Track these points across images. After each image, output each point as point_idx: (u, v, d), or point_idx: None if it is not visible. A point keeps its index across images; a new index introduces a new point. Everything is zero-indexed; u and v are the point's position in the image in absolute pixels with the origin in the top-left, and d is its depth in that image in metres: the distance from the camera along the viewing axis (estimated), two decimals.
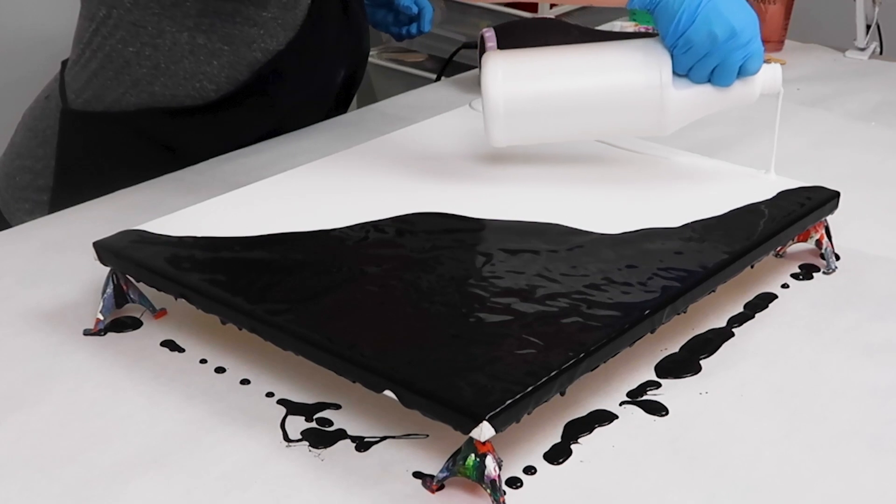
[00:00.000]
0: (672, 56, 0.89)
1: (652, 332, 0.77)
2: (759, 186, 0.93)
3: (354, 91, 1.27)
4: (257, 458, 0.70)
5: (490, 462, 0.65)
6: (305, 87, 1.13)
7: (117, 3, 1.05)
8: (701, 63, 0.88)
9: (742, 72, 0.89)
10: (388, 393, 0.68)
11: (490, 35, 1.30)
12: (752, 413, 0.75)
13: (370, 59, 2.66)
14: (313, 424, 0.73)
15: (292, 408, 0.75)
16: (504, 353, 0.70)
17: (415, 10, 1.29)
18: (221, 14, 1.03)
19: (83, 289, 0.88)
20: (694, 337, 0.83)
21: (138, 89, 1.06)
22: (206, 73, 1.05)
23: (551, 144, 1.03)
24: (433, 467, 0.69)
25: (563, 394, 0.70)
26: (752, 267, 0.86)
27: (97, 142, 1.10)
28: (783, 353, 0.82)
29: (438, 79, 1.44)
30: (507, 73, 0.90)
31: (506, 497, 0.66)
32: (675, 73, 0.89)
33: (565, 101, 0.90)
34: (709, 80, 0.89)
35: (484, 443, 0.65)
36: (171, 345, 0.81)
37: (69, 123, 1.10)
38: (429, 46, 2.56)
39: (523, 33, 1.32)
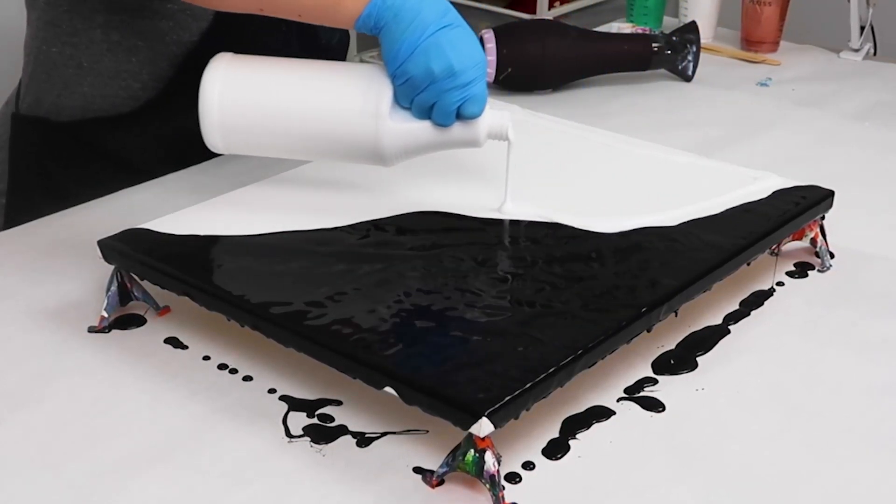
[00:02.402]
0: (394, 87, 0.84)
1: (649, 331, 0.77)
2: (755, 186, 0.94)
3: None
4: (260, 453, 0.71)
5: (489, 457, 0.66)
6: None
7: (36, 4, 1.05)
8: (420, 98, 0.83)
9: (461, 114, 0.83)
10: (388, 389, 0.69)
11: (489, 36, 1.31)
12: (748, 409, 0.76)
13: (371, 59, 2.68)
14: (315, 420, 0.74)
15: (294, 404, 0.75)
16: (503, 351, 0.71)
17: None
18: (129, 9, 1.02)
19: (88, 287, 0.88)
20: (690, 334, 0.84)
21: (70, 91, 1.06)
22: (128, 70, 1.04)
23: (551, 144, 1.04)
24: (433, 463, 0.69)
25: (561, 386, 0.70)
26: (748, 265, 0.87)
27: (44, 148, 1.09)
28: (779, 350, 0.83)
29: None
30: (227, 81, 0.86)
31: (505, 492, 0.66)
32: (400, 104, 0.84)
33: (281, 119, 0.86)
34: (430, 117, 0.84)
35: (483, 438, 0.65)
36: (174, 342, 0.82)
37: (18, 128, 1.10)
38: None
39: (521, 34, 1.33)
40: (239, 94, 0.86)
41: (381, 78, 0.84)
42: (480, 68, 0.83)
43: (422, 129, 0.84)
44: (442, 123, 0.84)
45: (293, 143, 0.87)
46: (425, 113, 0.84)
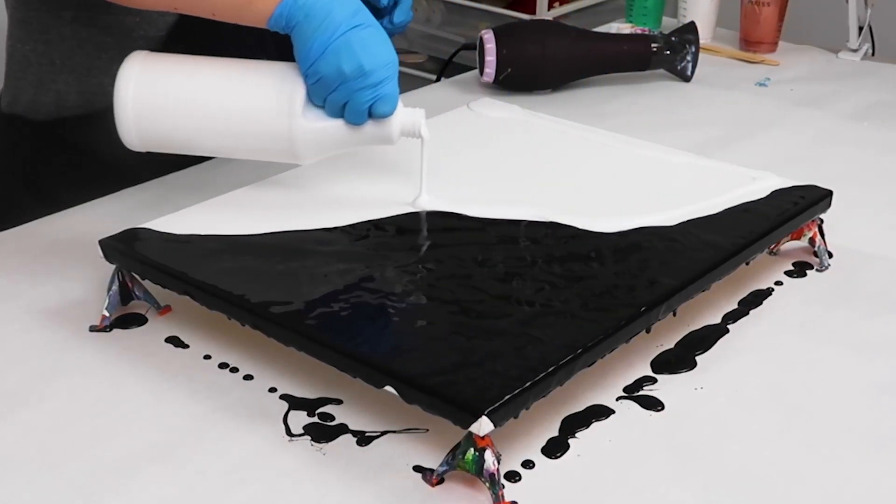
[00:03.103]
0: (307, 86, 0.84)
1: (648, 331, 0.78)
2: (754, 186, 0.94)
3: None
4: (260, 452, 0.71)
5: (489, 456, 0.66)
6: None
7: (9, 2, 1.06)
8: (332, 97, 0.83)
9: (373, 113, 0.84)
10: (388, 388, 0.69)
11: (489, 37, 1.32)
12: (747, 408, 0.76)
13: None
14: (315, 419, 0.74)
15: (295, 403, 0.76)
16: (503, 350, 0.71)
17: (384, 2, 1.24)
18: (96, 4, 1.01)
19: (89, 286, 0.89)
20: (689, 333, 0.84)
21: (44, 88, 1.06)
22: (100, 67, 1.04)
23: (550, 144, 1.04)
24: (433, 461, 0.70)
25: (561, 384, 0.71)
26: (746, 264, 0.87)
27: (25, 146, 1.09)
28: (777, 350, 0.83)
29: (438, 79, 1.44)
30: (141, 79, 0.86)
31: (504, 490, 0.67)
32: (314, 103, 0.85)
33: (195, 117, 0.86)
34: (343, 116, 0.85)
35: (483, 437, 0.66)
36: (175, 341, 0.82)
37: (1, 127, 1.10)
38: (429, 48, 2.57)
39: (521, 35, 1.33)
40: (153, 93, 0.86)
41: (295, 77, 0.85)
42: (391, 68, 0.84)
43: (335, 127, 0.85)
44: (354, 122, 0.85)
45: (207, 141, 0.88)
46: (338, 111, 0.85)
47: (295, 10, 0.82)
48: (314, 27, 0.82)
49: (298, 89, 0.84)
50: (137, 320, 0.85)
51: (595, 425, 0.74)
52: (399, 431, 0.73)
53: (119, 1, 0.91)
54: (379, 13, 1.19)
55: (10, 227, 0.99)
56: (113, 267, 0.84)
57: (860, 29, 1.50)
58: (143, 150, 0.89)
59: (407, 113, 0.87)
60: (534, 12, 2.40)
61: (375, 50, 0.83)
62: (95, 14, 1.03)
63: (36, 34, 1.05)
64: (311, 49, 0.82)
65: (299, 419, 0.74)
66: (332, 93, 0.83)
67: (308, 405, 0.75)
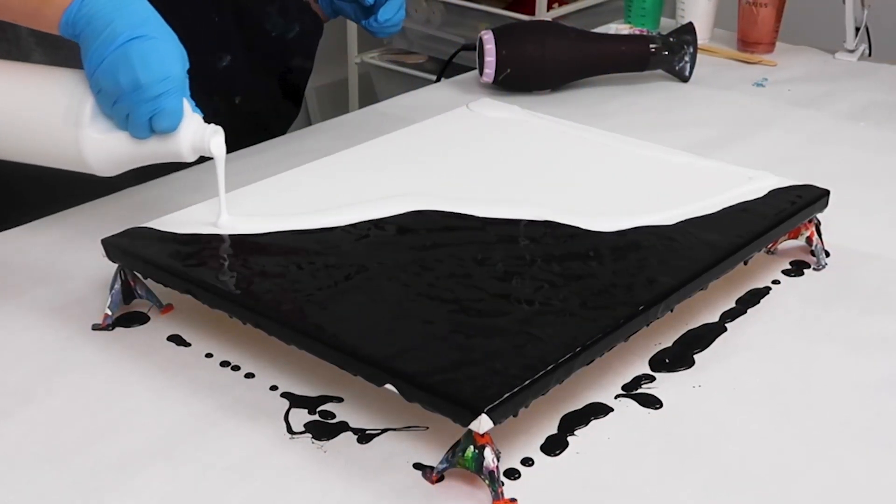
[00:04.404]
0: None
1: (647, 326, 0.78)
2: (751, 185, 0.95)
3: (302, 85, 1.22)
4: (261, 449, 0.71)
5: (488, 454, 0.66)
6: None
7: None
8: (114, 109, 0.81)
9: (154, 128, 0.82)
10: (389, 386, 0.69)
11: (488, 37, 1.32)
12: (745, 406, 0.77)
13: (372, 60, 2.68)
14: (316, 417, 0.74)
15: (295, 401, 0.76)
16: (502, 348, 0.71)
17: (369, 1, 1.17)
18: None
19: (92, 285, 0.89)
20: (687, 331, 0.85)
21: None
22: (59, 63, 1.01)
23: (550, 144, 1.04)
24: (433, 459, 0.70)
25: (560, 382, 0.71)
26: (744, 263, 0.88)
27: None
28: (775, 348, 0.84)
29: (438, 80, 1.44)
30: None
31: (504, 488, 0.67)
32: (104, 113, 0.83)
33: None
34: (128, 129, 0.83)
35: (483, 435, 0.66)
36: (177, 339, 0.83)
37: None
38: (429, 48, 2.58)
39: (521, 35, 1.33)
40: None
41: (86, 86, 0.83)
42: (171, 82, 0.81)
43: (124, 139, 0.83)
44: (137, 136, 0.83)
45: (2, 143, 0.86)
46: (123, 124, 0.83)
47: (79, 18, 0.81)
48: (94, 37, 0.80)
49: (89, 98, 0.82)
50: (139, 319, 0.85)
51: (594, 423, 0.75)
52: (399, 429, 0.73)
53: None
54: (366, 11, 1.19)
55: (13, 227, 0.99)
56: (115, 266, 0.84)
57: (857, 30, 1.51)
58: None
59: (197, 129, 0.84)
60: (533, 13, 2.40)
61: (154, 63, 0.80)
62: None
63: None
64: (91, 59, 0.80)
65: (300, 417, 0.74)
66: (114, 105, 0.81)
67: (309, 403, 0.76)
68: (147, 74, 0.80)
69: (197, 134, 0.84)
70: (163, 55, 0.81)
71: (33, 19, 0.84)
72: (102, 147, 0.84)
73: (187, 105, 0.84)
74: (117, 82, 0.80)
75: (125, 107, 0.81)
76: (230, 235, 0.85)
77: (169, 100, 0.81)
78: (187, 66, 0.83)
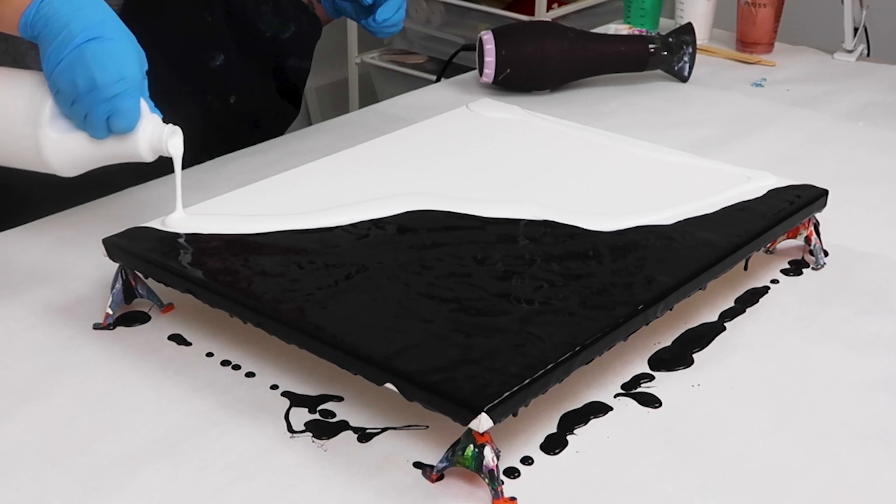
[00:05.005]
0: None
1: (646, 325, 0.78)
2: (750, 185, 0.95)
3: (300, 85, 1.23)
4: (262, 448, 0.72)
5: (488, 452, 0.66)
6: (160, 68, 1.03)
7: None
8: (72, 110, 0.82)
9: (111, 128, 0.82)
10: (389, 385, 0.69)
11: (488, 37, 1.32)
12: (743, 405, 0.77)
13: (372, 60, 2.68)
14: (316, 416, 0.75)
15: (296, 400, 0.76)
16: (502, 347, 0.72)
17: (368, 0, 1.17)
18: None
19: (93, 284, 0.89)
20: (686, 331, 0.85)
21: None
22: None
23: (549, 144, 1.04)
24: (433, 458, 0.70)
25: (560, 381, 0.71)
26: (745, 268, 0.88)
27: None
28: (773, 347, 0.84)
29: (438, 80, 1.45)
30: None
31: (503, 487, 0.67)
32: (64, 113, 0.83)
33: None
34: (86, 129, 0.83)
35: (482, 434, 0.66)
36: (178, 338, 0.83)
37: None
38: (429, 48, 2.58)
39: (520, 36, 1.34)
40: None
41: (46, 87, 0.83)
42: (127, 83, 0.81)
43: (83, 140, 0.84)
44: (94, 135, 0.83)
45: None
46: (81, 124, 0.83)
47: (37, 19, 0.81)
48: (52, 38, 0.80)
49: (48, 99, 0.83)
50: (140, 318, 0.85)
51: (593, 422, 0.75)
52: (399, 428, 0.73)
53: None
54: (366, 11, 1.19)
55: (13, 227, 0.99)
56: (116, 265, 0.85)
57: (855, 30, 1.51)
58: None
59: (154, 129, 0.84)
60: (533, 13, 2.41)
61: (110, 64, 0.80)
62: None
63: None
64: (49, 60, 0.81)
65: (300, 416, 0.75)
66: (72, 105, 0.82)
67: (309, 402, 0.76)
68: (103, 75, 0.80)
69: (155, 134, 0.84)
70: (119, 56, 0.81)
71: None
72: (62, 147, 0.84)
73: (145, 105, 0.84)
74: (74, 83, 0.80)
75: (83, 107, 0.81)
76: (230, 235, 0.85)
77: (125, 100, 0.81)
78: (146, 67, 0.84)
